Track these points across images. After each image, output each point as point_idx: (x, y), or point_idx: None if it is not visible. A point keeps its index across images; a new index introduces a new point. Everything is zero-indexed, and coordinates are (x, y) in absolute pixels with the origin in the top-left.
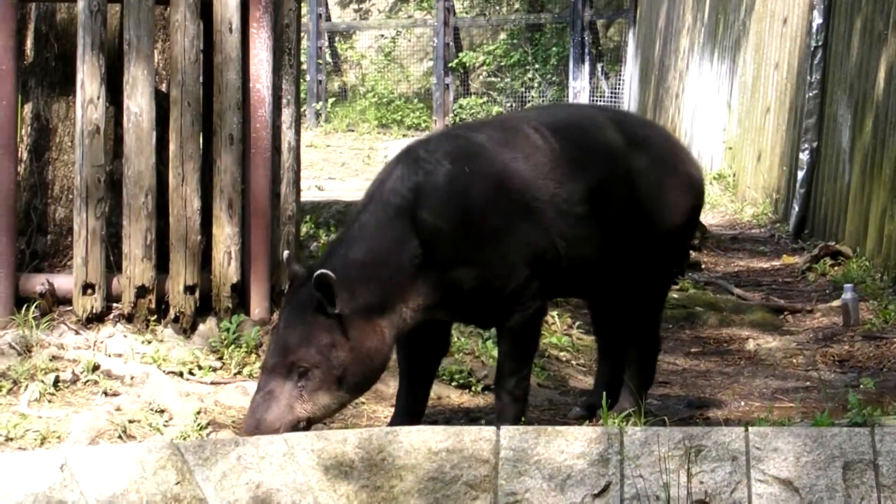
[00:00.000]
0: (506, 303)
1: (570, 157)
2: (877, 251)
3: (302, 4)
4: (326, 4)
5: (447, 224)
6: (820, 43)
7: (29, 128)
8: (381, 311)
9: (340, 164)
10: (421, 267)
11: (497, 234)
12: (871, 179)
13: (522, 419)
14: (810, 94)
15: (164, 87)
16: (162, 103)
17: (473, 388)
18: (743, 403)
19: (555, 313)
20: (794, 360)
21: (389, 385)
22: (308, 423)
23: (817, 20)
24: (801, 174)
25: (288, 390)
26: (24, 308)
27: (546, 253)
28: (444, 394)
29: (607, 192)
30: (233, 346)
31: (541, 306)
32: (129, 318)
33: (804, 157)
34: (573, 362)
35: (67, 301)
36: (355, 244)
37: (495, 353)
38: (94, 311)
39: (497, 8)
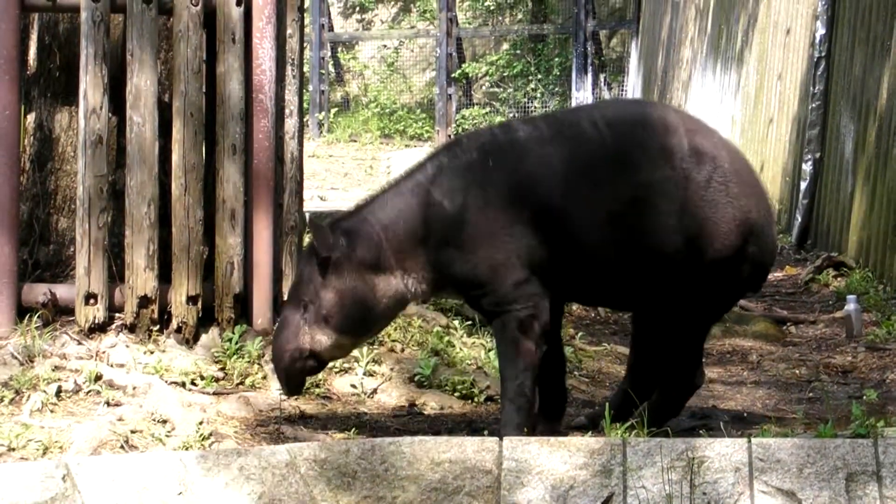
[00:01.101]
0: (493, 300)
1: (616, 156)
2: (880, 262)
3: (305, 15)
4: (329, 15)
5: (451, 206)
6: (823, 54)
7: (31, 138)
8: (375, 269)
9: (343, 174)
10: (421, 241)
11: (497, 229)
12: (873, 190)
13: (525, 429)
14: (813, 105)
15: (166, 98)
16: (164, 113)
17: (476, 399)
18: (746, 414)
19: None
20: (797, 371)
21: (391, 396)
22: (313, 356)
23: (820, 31)
24: (803, 185)
25: (295, 321)
26: (26, 318)
27: (549, 257)
28: (446, 404)
29: (644, 203)
30: (235, 357)
31: (534, 313)
32: (132, 329)
33: (807, 167)
34: (576, 373)
35: (70, 311)
36: (373, 204)
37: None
38: (96, 321)
39: (500, 18)
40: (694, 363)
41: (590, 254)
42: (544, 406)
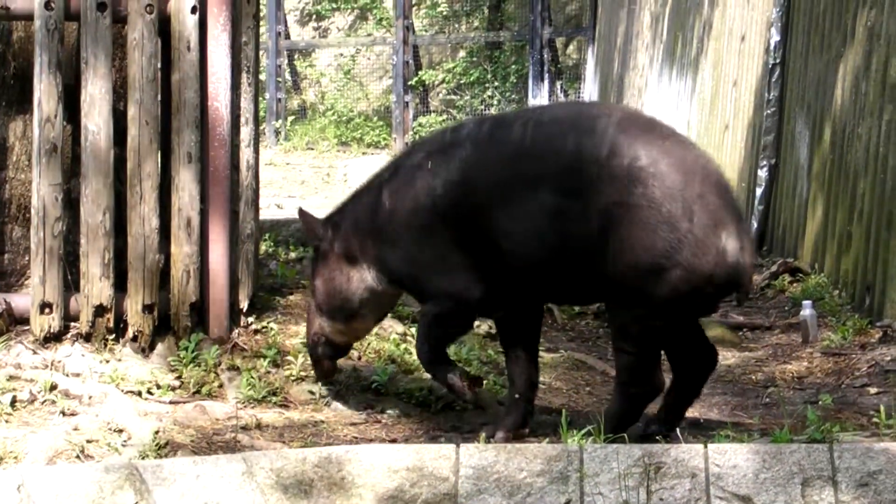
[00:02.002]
0: (420, 296)
1: (532, 158)
2: (835, 268)
3: (261, 23)
4: (286, 22)
5: (391, 204)
6: (778, 60)
7: None
8: (351, 262)
9: (300, 182)
10: (372, 236)
11: (425, 229)
12: (828, 196)
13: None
14: (768, 112)
15: (121, 106)
16: (120, 121)
17: (433, 406)
18: (702, 420)
19: None
20: (753, 377)
21: (349, 403)
22: (327, 342)
23: (775, 38)
24: (759, 191)
25: (312, 309)
26: None
27: (476, 256)
28: (403, 411)
29: (556, 205)
30: (191, 365)
31: (455, 310)
32: (88, 338)
33: (762, 173)
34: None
35: (25, 320)
36: (351, 199)
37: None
38: (51, 330)
39: (456, 26)
40: (645, 369)
41: (513, 254)
42: (514, 412)
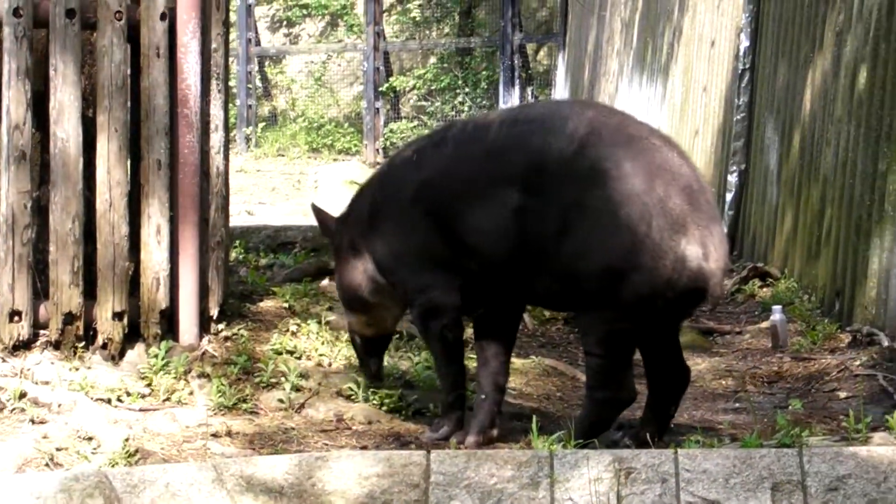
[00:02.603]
0: (402, 290)
1: (499, 156)
2: (805, 273)
3: (231, 29)
4: (256, 29)
5: (381, 199)
6: (747, 66)
7: None
8: (356, 254)
9: (271, 188)
10: (367, 229)
11: (402, 224)
12: (798, 201)
13: (458, 424)
14: (738, 117)
15: (91, 113)
16: (89, 128)
17: (404, 413)
18: (672, 425)
19: None
20: (723, 382)
21: (319, 410)
22: (359, 335)
23: (744, 43)
24: (729, 196)
25: None
26: None
27: (449, 254)
28: (374, 418)
29: (521, 204)
30: (161, 373)
31: (434, 305)
32: (57, 346)
33: (732, 179)
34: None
35: None
36: (360, 192)
37: (425, 376)
38: (20, 338)
39: (427, 32)
40: (613, 374)
41: (479, 251)
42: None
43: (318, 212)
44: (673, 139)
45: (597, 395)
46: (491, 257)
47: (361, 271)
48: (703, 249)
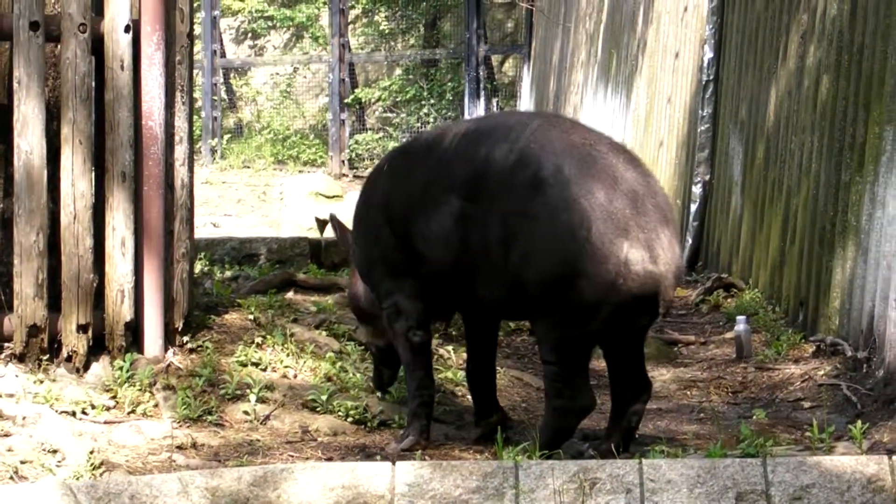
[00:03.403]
0: (374, 289)
1: (447, 167)
2: (768, 283)
3: (196, 41)
4: (221, 41)
5: (358, 209)
6: (711, 77)
7: None
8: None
9: (236, 200)
10: (353, 239)
11: (370, 231)
12: (762, 212)
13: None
14: (702, 128)
15: (55, 125)
16: (53, 141)
17: (369, 424)
18: (637, 436)
19: (450, 348)
20: (688, 392)
21: (284, 422)
22: (373, 345)
23: (708, 55)
24: (694, 207)
25: None
26: None
27: (408, 262)
28: (339, 429)
29: (465, 213)
30: (126, 385)
31: (398, 310)
32: (21, 358)
33: (697, 190)
34: (468, 397)
35: None
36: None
37: (390, 388)
38: None
39: (392, 44)
40: (569, 382)
41: (428, 258)
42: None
43: (336, 222)
44: (624, 146)
45: (555, 404)
46: (438, 265)
47: (358, 280)
48: (648, 253)
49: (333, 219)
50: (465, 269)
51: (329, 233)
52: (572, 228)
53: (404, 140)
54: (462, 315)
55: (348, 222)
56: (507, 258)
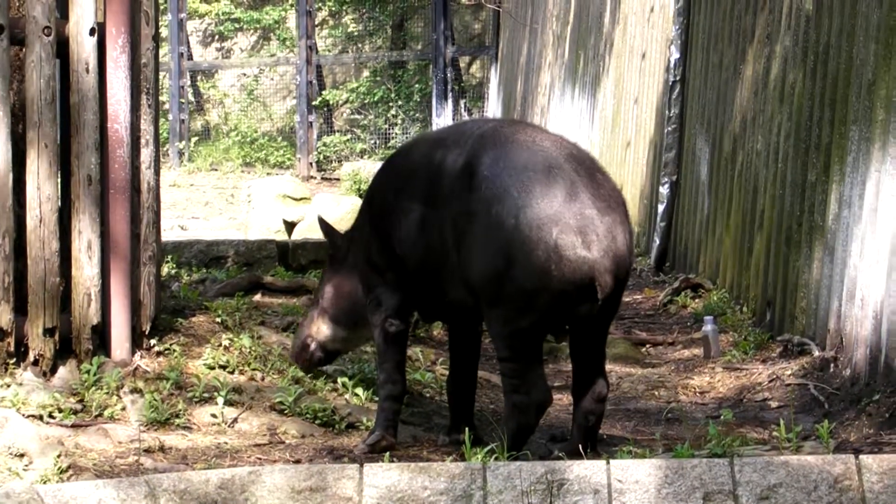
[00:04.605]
0: (364, 289)
1: (411, 173)
2: (736, 283)
3: (162, 43)
4: (188, 43)
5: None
6: (678, 78)
7: None
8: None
9: (204, 203)
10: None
11: (362, 230)
12: (729, 212)
13: (390, 429)
14: (669, 129)
15: (20, 128)
16: (18, 144)
17: (337, 426)
18: (605, 436)
19: (418, 349)
20: (656, 393)
21: (252, 425)
22: (319, 347)
23: (675, 55)
24: (661, 207)
25: (309, 315)
26: None
27: (388, 263)
28: (307, 432)
29: (423, 218)
30: (94, 388)
31: (379, 304)
32: None
33: (664, 190)
34: (437, 398)
35: None
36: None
37: (358, 390)
38: None
39: (360, 46)
40: (523, 377)
41: (403, 259)
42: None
43: (324, 224)
44: (575, 144)
45: (513, 400)
46: (413, 268)
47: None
48: (580, 238)
49: (321, 221)
50: (433, 273)
51: (297, 235)
52: (501, 218)
53: (372, 142)
54: (444, 323)
55: (314, 226)
56: (459, 259)
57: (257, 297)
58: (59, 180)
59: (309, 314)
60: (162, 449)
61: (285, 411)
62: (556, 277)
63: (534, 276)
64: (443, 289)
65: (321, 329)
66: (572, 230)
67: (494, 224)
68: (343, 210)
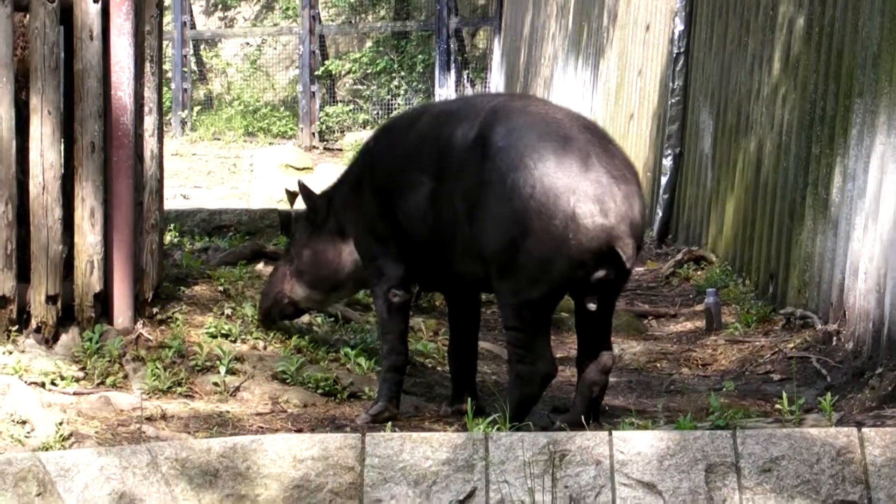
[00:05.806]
0: (364, 258)
1: (418, 146)
2: (738, 256)
3: (165, 12)
4: (191, 12)
5: (350, 176)
6: (682, 49)
7: None
8: (343, 236)
9: (206, 172)
10: (347, 206)
11: (361, 201)
12: (732, 185)
13: (393, 400)
14: (673, 101)
15: (23, 95)
16: (22, 111)
17: (339, 396)
18: (607, 408)
19: (420, 320)
20: (658, 365)
21: (254, 393)
22: (291, 303)
23: (679, 27)
24: (664, 180)
25: (282, 271)
26: None
27: (390, 232)
28: (309, 401)
29: (433, 190)
30: (96, 356)
31: (381, 273)
32: None
33: (667, 162)
34: (439, 369)
35: None
36: (346, 172)
37: (360, 360)
38: None
39: (363, 16)
40: (530, 348)
41: (408, 232)
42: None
43: (303, 188)
44: (584, 116)
45: (518, 370)
46: (417, 239)
47: (346, 253)
48: (598, 206)
49: (301, 185)
50: (440, 245)
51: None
52: (518, 188)
53: (374, 113)
54: (444, 294)
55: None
56: (471, 230)
57: (260, 265)
58: (62, 147)
59: (280, 269)
60: (164, 417)
61: (287, 380)
62: (573, 246)
63: (551, 245)
64: (449, 260)
65: (295, 289)
66: (590, 199)
67: (510, 194)
68: None
